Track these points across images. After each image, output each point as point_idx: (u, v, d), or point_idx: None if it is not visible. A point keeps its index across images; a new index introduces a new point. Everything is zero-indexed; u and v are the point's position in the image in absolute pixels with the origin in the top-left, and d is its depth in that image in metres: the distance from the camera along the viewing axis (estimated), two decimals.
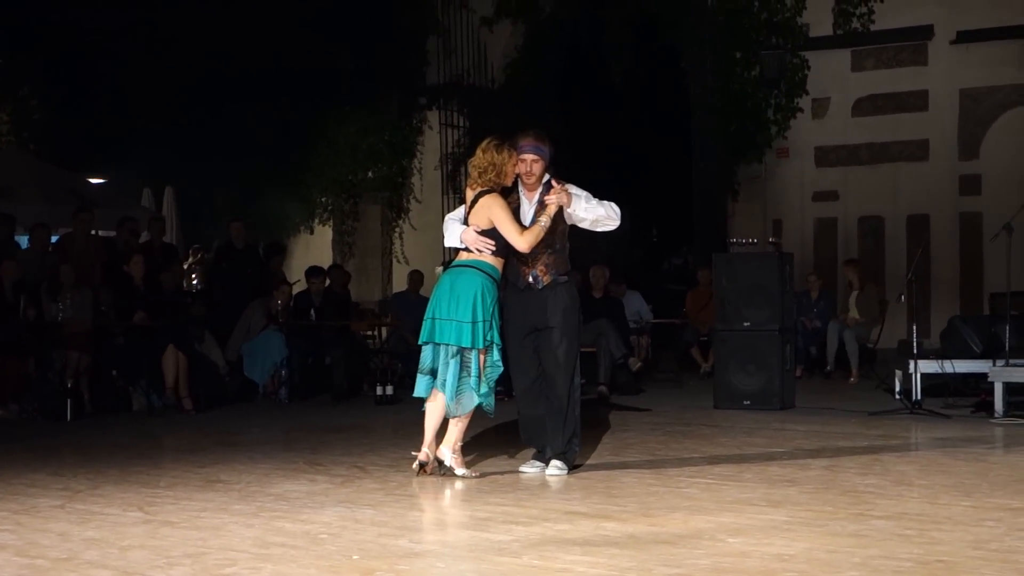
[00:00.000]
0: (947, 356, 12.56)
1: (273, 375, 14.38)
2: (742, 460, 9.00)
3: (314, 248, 21.88)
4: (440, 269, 20.93)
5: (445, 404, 8.06)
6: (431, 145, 22.16)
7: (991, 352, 12.30)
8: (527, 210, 8.29)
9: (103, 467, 8.98)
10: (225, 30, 19.80)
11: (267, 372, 14.39)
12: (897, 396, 12.45)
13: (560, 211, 8.18)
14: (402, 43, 21.42)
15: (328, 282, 15.41)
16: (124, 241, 15.30)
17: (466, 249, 8.12)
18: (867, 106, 19.67)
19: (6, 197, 15.95)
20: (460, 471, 8.10)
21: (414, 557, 5.80)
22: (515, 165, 8.15)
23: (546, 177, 8.26)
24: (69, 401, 12.55)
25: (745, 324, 12.65)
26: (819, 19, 19.67)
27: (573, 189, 8.23)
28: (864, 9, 19.35)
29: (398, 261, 21.55)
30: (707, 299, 15.19)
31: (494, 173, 8.09)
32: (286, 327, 14.45)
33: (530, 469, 8.41)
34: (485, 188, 8.11)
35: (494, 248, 8.05)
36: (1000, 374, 11.60)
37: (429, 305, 8.13)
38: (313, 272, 15.46)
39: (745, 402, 12.51)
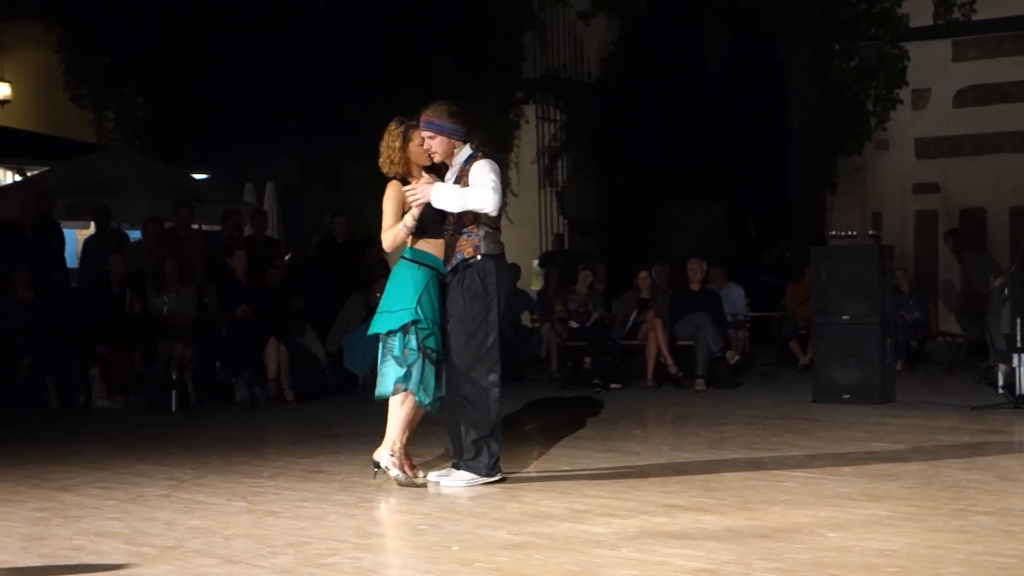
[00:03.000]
0: None
1: (372, 367, 14.45)
2: (841, 454, 8.93)
3: None
4: (537, 263, 21.02)
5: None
6: (528, 139, 22.22)
7: None
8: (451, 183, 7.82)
9: (207, 457, 9.13)
10: (325, 27, 19.99)
11: (366, 364, 14.47)
12: (1000, 390, 12.27)
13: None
14: (499, 38, 21.48)
15: None
16: (228, 235, 15.52)
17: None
18: (969, 97, 19.40)
19: (112, 193, 16.25)
20: (394, 472, 7.63)
21: (513, 548, 5.84)
22: (421, 145, 7.76)
23: (466, 152, 7.76)
24: (174, 393, 12.77)
25: (844, 317, 12.53)
26: (919, 9, 19.43)
27: (476, 175, 7.60)
28: None
29: None
30: (808, 292, 15.06)
31: (389, 161, 7.80)
32: None
33: (436, 477, 7.82)
34: (389, 175, 7.84)
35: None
36: None
37: None
38: None
39: (844, 396, 12.39)
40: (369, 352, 14.34)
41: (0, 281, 13.45)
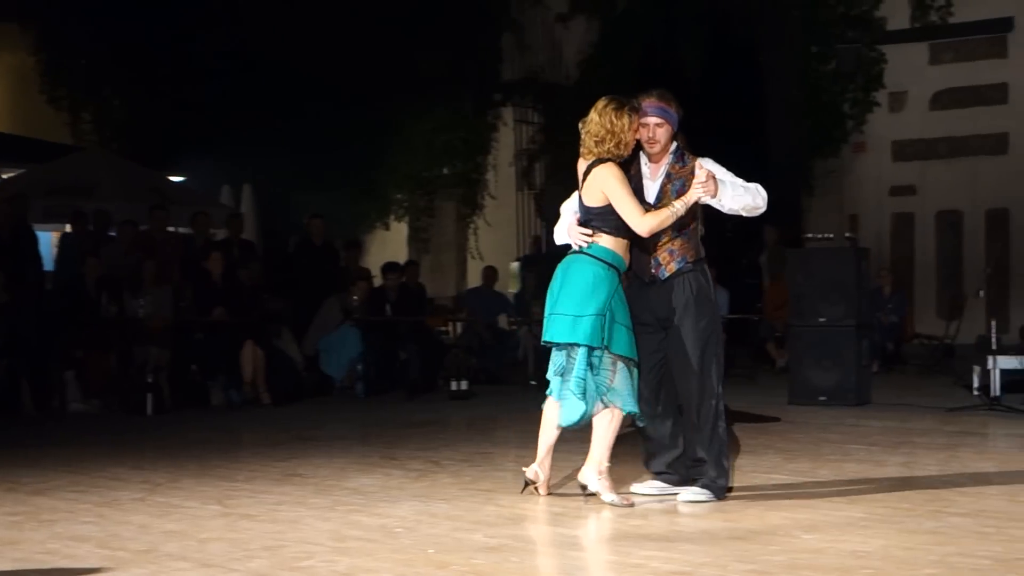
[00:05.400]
0: None
1: (349, 370, 14.47)
2: (817, 456, 8.95)
3: (390, 244, 22.02)
4: (515, 265, 21.02)
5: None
6: (505, 141, 22.24)
7: None
8: (650, 186, 7.02)
9: (183, 461, 9.09)
10: (302, 29, 19.95)
11: (343, 367, 14.49)
12: (975, 392, 12.32)
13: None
14: (477, 40, 21.49)
15: (404, 278, 15.50)
16: (202, 237, 15.48)
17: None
18: (945, 99, 19.48)
19: (88, 195, 16.19)
20: (608, 496, 6.94)
21: (489, 551, 5.84)
22: (636, 131, 6.90)
23: (673, 146, 7.03)
24: (149, 396, 12.72)
25: (821, 319, 12.56)
26: (896, 12, 19.51)
27: (717, 171, 6.96)
28: (942, 2, 19.17)
29: (472, 257, 21.64)
30: (785, 295, 15.09)
31: (613, 142, 6.85)
32: (362, 323, 14.55)
33: (646, 490, 7.25)
34: (601, 158, 6.89)
35: (589, 241, 6.95)
36: None
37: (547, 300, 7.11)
38: (389, 268, 15.55)
39: (820, 398, 12.42)
40: (346, 355, 14.44)
41: None
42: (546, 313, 7.00)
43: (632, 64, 21.79)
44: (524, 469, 7.27)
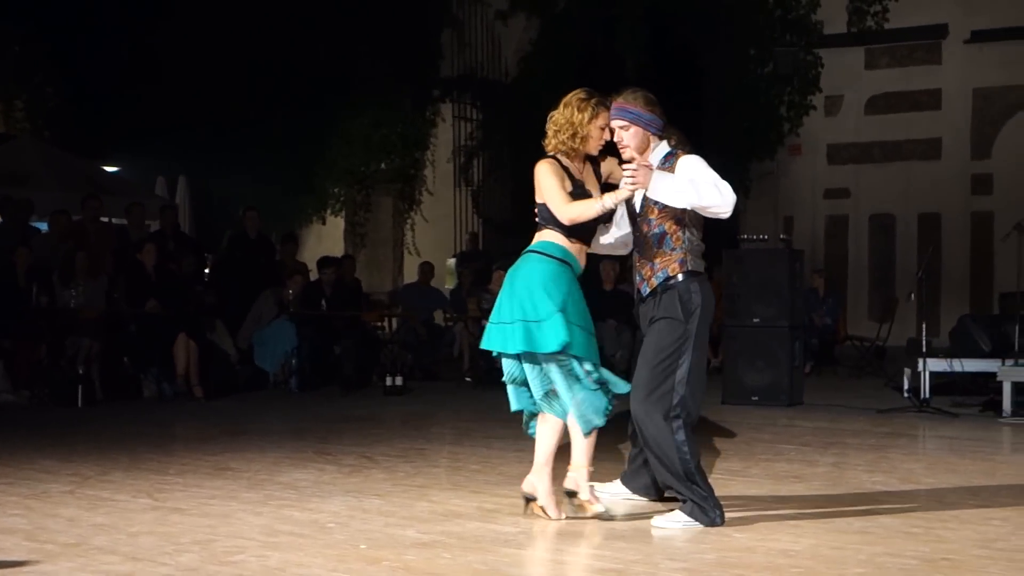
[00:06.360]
0: (956, 355, 12.56)
1: (283, 364, 14.40)
2: (749, 456, 9.01)
3: (326, 239, 21.93)
4: (452, 261, 21.02)
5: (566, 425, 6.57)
6: (444, 138, 22.22)
7: (1000, 351, 12.30)
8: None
9: (113, 453, 9.01)
10: (241, 21, 19.83)
11: (277, 361, 14.41)
12: (905, 394, 12.45)
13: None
14: (416, 36, 21.46)
15: (340, 273, 15.43)
16: (138, 229, 15.32)
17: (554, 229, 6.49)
18: (880, 104, 19.69)
19: (21, 184, 15.99)
20: (595, 506, 6.50)
21: (421, 547, 5.83)
22: (603, 130, 6.49)
23: (664, 148, 6.53)
24: (80, 388, 12.57)
25: (755, 320, 12.64)
26: (834, 17, 19.69)
27: (691, 169, 6.37)
28: (878, 7, 19.38)
29: (409, 252, 21.61)
30: (719, 295, 15.18)
31: (568, 135, 6.45)
32: (297, 317, 14.48)
33: (608, 489, 7.08)
34: (552, 152, 6.52)
35: None
36: (1009, 373, 11.58)
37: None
38: (325, 262, 15.48)
39: (753, 398, 12.50)
40: (281, 349, 14.37)
41: None
42: (495, 320, 6.60)
43: (571, 63, 21.86)
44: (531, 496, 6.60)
